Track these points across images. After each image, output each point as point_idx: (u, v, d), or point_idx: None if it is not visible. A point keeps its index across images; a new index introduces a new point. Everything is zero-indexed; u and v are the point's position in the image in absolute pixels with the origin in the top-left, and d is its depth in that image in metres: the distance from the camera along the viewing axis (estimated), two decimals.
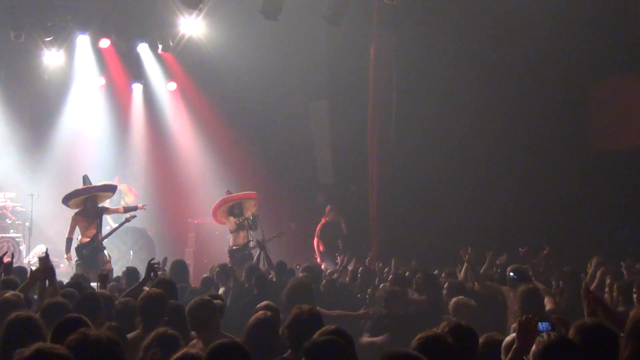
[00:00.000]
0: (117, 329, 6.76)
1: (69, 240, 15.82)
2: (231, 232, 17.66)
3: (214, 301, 7.71)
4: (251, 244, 17.10)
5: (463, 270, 12.09)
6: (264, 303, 7.85)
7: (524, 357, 5.00)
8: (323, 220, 19.89)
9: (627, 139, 18.74)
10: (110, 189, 17.05)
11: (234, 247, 17.33)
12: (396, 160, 19.65)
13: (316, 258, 19.11)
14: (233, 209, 17.75)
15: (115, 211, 17.11)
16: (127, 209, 16.92)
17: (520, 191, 18.57)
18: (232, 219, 17.61)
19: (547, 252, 12.23)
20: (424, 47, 18.99)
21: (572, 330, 5.32)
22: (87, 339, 4.37)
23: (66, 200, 16.17)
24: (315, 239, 19.55)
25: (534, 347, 4.81)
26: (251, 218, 17.54)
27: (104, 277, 9.95)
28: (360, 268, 13.75)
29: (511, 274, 10.32)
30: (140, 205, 17.17)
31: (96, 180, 17.08)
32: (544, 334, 4.86)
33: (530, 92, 18.77)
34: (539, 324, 5.17)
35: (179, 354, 5.34)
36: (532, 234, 16.07)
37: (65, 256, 16.06)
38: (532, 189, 18.66)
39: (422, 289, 11.26)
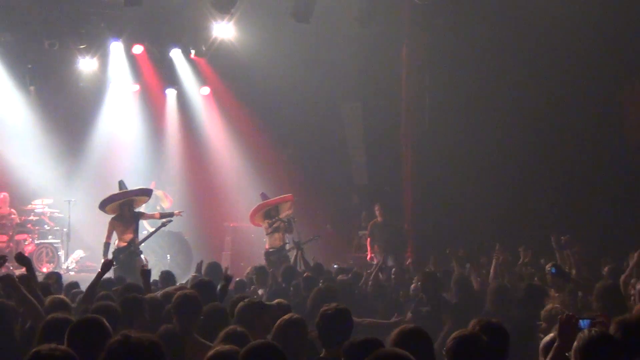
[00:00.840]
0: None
1: (107, 245, 15.85)
2: (267, 234, 17.67)
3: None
4: (287, 247, 17.10)
5: (493, 267, 12.12)
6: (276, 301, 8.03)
7: (566, 355, 4.98)
8: (377, 220, 19.68)
9: None
10: (146, 193, 17.03)
11: (270, 250, 17.29)
12: (430, 160, 19.60)
13: (367, 257, 18.96)
14: (270, 212, 17.76)
15: (152, 217, 17.15)
16: (163, 215, 16.92)
17: (557, 188, 18.44)
18: (267, 221, 17.63)
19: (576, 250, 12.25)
20: (456, 47, 18.93)
21: (613, 326, 5.28)
22: (129, 342, 4.36)
23: (102, 205, 16.21)
24: (368, 239, 19.47)
25: (575, 344, 4.78)
26: (286, 220, 17.53)
27: (146, 273, 9.97)
28: (394, 269, 13.69)
29: (552, 270, 10.04)
30: (176, 212, 17.10)
31: (132, 186, 17.10)
32: (585, 331, 4.83)
33: (566, 88, 18.56)
34: (580, 321, 5.14)
35: (212, 351, 5.36)
36: (570, 231, 15.92)
37: (102, 260, 16.12)
38: (570, 185, 18.51)
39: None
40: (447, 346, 5.02)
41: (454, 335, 5.07)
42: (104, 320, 5.70)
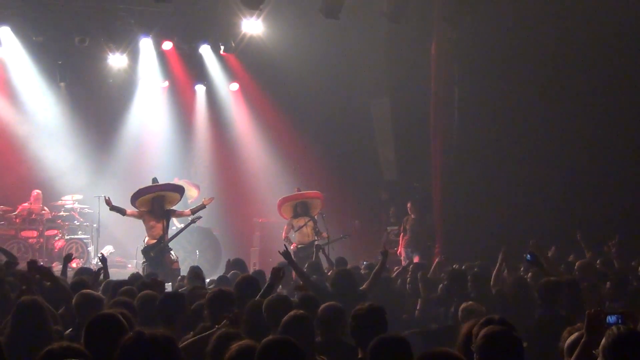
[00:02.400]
0: None
1: (118, 209, 15.88)
2: (295, 231, 17.71)
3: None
4: (316, 243, 17.07)
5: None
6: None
7: (593, 352, 4.93)
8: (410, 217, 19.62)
9: None
10: (179, 191, 16.88)
11: (299, 246, 17.33)
12: (460, 156, 19.50)
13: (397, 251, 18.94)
14: (296, 207, 17.76)
15: (182, 214, 16.98)
16: (194, 210, 16.74)
17: (587, 184, 18.23)
18: (294, 220, 17.67)
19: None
20: (485, 42, 18.81)
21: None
22: (143, 338, 4.40)
23: (134, 198, 16.19)
24: (401, 234, 19.47)
25: (603, 341, 4.72)
26: (315, 218, 17.54)
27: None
28: (420, 273, 13.53)
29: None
30: (205, 200, 16.88)
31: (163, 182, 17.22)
32: (614, 327, 4.77)
33: (597, 84, 18.28)
34: (608, 317, 5.05)
35: (235, 346, 5.38)
36: (600, 228, 15.81)
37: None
38: (601, 182, 18.29)
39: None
40: (477, 343, 5.00)
41: (484, 331, 5.05)
42: (120, 317, 5.71)
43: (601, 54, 17.80)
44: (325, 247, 15.85)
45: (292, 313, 6.70)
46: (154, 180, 16.61)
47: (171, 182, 17.63)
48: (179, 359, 4.64)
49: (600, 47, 17.76)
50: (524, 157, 18.72)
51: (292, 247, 17.05)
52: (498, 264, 11.79)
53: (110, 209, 15.80)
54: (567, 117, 18.30)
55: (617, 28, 17.50)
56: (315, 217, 17.56)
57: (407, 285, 12.54)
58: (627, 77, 17.81)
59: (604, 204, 17.53)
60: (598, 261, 12.56)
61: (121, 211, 15.85)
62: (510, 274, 12.26)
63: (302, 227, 17.46)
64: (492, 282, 11.29)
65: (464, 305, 8.77)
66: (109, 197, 15.74)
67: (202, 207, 16.63)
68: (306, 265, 12.94)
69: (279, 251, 10.83)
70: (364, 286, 10.91)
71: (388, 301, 9.69)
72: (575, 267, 11.68)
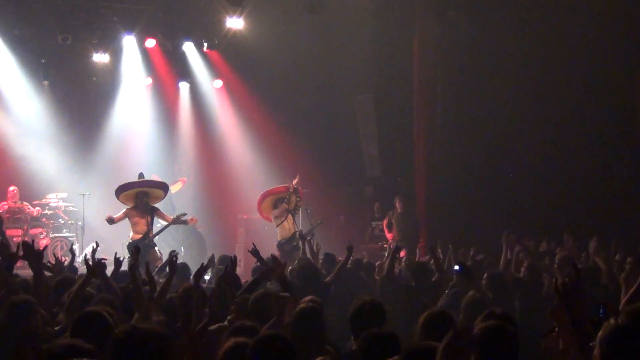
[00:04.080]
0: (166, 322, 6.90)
1: (110, 220, 15.99)
2: (276, 226, 17.78)
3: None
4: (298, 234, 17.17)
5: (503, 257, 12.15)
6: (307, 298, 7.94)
7: (590, 345, 4.90)
8: (397, 211, 19.71)
9: None
10: (163, 188, 16.99)
11: (281, 241, 17.44)
12: (442, 152, 19.57)
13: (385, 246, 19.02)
14: (275, 203, 17.91)
15: (164, 218, 16.92)
16: (175, 221, 16.72)
17: (568, 178, 18.38)
18: (274, 211, 17.80)
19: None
20: (468, 38, 18.87)
21: (624, 315, 5.21)
22: (135, 332, 4.42)
23: (118, 192, 16.29)
24: (386, 229, 19.57)
25: (600, 333, 4.71)
26: (293, 212, 17.74)
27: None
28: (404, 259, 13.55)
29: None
30: (189, 218, 16.91)
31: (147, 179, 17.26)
32: (611, 320, 4.74)
33: (579, 80, 18.47)
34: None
35: (229, 342, 5.39)
36: (580, 221, 15.95)
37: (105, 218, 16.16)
38: (580, 176, 18.46)
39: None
40: (475, 334, 4.98)
41: (482, 325, 5.06)
42: (105, 313, 5.74)
43: (588, 49, 17.94)
44: (312, 238, 15.86)
45: (302, 306, 6.74)
46: (140, 175, 16.72)
47: (160, 181, 17.65)
48: (171, 353, 4.63)
49: (588, 46, 17.88)
50: (507, 152, 18.83)
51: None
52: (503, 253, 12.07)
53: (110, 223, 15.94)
54: (551, 113, 18.43)
55: (605, 27, 17.64)
56: (292, 210, 17.67)
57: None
58: (615, 73, 18.01)
59: (587, 198, 17.70)
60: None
61: (111, 221, 15.92)
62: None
63: (283, 221, 17.57)
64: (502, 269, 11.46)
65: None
66: (110, 216, 15.80)
67: (185, 222, 16.72)
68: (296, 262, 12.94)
69: (248, 250, 10.68)
70: (327, 278, 11.05)
71: (352, 292, 9.64)
72: (556, 259, 11.76)
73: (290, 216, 17.70)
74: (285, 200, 17.82)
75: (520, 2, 18.35)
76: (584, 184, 18.04)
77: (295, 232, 17.36)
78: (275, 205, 17.90)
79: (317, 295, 8.03)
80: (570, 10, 17.84)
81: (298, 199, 18.10)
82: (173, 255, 9.02)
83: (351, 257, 12.06)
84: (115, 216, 16.07)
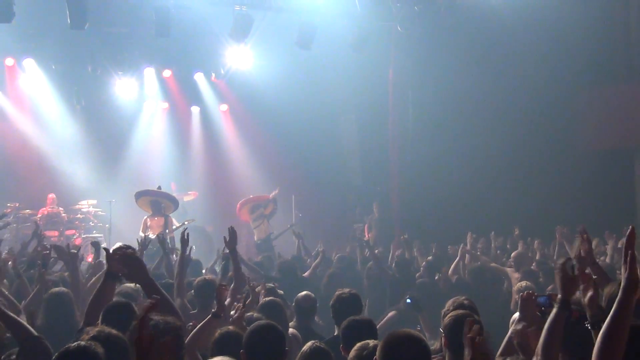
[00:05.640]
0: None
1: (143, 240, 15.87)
2: (254, 228, 18.19)
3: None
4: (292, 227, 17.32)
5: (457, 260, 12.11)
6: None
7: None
8: (375, 216, 19.84)
9: (609, 140, 18.88)
10: (174, 202, 17.12)
11: (258, 241, 17.89)
12: (413, 163, 19.74)
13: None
14: (253, 209, 18.37)
15: (172, 223, 16.81)
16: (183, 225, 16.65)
17: (519, 186, 18.60)
18: (253, 216, 18.29)
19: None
20: (434, 69, 19.09)
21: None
22: (154, 324, 4.17)
23: (137, 196, 16.47)
24: (366, 231, 19.73)
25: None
26: (267, 216, 18.19)
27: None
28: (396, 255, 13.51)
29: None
30: (186, 221, 16.72)
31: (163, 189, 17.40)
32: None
33: (529, 102, 18.93)
34: (538, 298, 5.01)
35: (223, 329, 5.32)
36: (529, 221, 16.07)
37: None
38: (530, 183, 18.69)
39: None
40: (444, 322, 5.04)
41: (452, 314, 5.06)
42: (132, 304, 5.60)
43: (536, 76, 18.33)
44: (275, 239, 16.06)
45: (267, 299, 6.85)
46: (159, 187, 16.80)
47: (170, 194, 17.71)
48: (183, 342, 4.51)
49: (536, 70, 18.27)
50: (468, 163, 19.02)
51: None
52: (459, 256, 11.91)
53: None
54: (507, 128, 18.83)
55: (549, 54, 17.98)
56: (268, 215, 18.20)
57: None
58: (557, 95, 18.43)
59: (539, 201, 17.95)
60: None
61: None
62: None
63: (260, 224, 18.00)
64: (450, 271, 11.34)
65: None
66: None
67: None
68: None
69: (223, 252, 9.61)
70: (305, 274, 11.11)
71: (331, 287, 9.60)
72: (511, 257, 11.78)
73: (265, 220, 18.04)
74: (263, 206, 18.21)
75: (477, 40, 18.58)
76: (535, 189, 18.31)
77: (270, 233, 17.78)
78: (252, 211, 18.34)
79: (294, 286, 8.08)
80: (520, 45, 18.21)
81: (275, 207, 18.35)
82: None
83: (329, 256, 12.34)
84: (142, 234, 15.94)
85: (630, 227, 3.73)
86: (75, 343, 4.03)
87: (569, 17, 17.73)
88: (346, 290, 6.75)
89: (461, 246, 12.24)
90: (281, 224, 19.26)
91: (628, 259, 3.44)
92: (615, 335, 3.45)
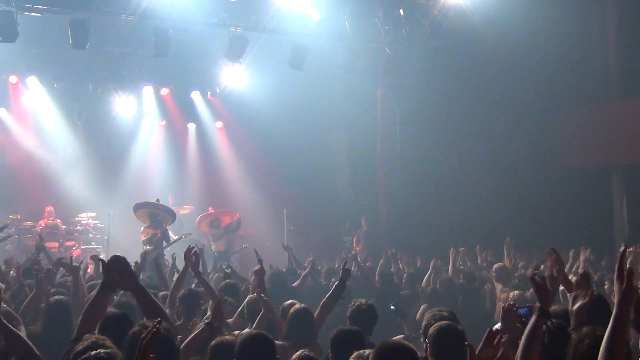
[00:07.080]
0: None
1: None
2: (213, 241, 18.36)
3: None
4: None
5: (450, 266, 12.27)
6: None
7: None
8: (363, 229, 19.93)
9: (588, 158, 19.01)
10: (172, 215, 17.04)
11: (215, 253, 17.94)
12: (400, 180, 19.82)
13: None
14: (212, 222, 18.57)
15: (167, 244, 16.78)
16: (180, 238, 16.61)
17: (503, 202, 18.68)
18: (212, 230, 18.49)
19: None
20: (420, 89, 19.25)
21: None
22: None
23: (136, 208, 16.37)
24: (355, 244, 19.82)
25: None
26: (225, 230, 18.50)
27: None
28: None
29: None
30: (183, 235, 16.81)
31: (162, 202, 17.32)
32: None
33: (511, 121, 19.10)
34: (519, 309, 5.04)
35: (217, 339, 5.32)
36: (513, 235, 16.09)
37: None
38: (512, 199, 18.77)
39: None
40: (430, 333, 4.99)
41: (437, 325, 5.02)
42: (128, 315, 5.58)
43: (518, 98, 18.61)
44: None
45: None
46: (157, 200, 16.75)
47: (168, 207, 17.62)
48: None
49: (518, 92, 18.51)
50: (451, 180, 19.14)
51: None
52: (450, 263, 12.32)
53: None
54: (491, 146, 18.95)
55: (531, 77, 18.17)
56: (223, 228, 18.52)
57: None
58: (538, 116, 18.60)
59: (523, 214, 18.11)
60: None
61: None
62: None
63: (219, 239, 18.24)
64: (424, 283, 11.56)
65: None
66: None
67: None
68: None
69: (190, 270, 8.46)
70: (294, 284, 11.14)
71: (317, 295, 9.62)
72: (493, 269, 11.77)
73: (225, 236, 18.38)
74: (221, 221, 18.65)
75: (462, 62, 18.74)
76: (519, 206, 18.43)
77: (228, 247, 18.43)
78: (211, 225, 18.53)
79: (284, 295, 8.10)
80: (503, 68, 18.35)
81: (236, 226, 18.78)
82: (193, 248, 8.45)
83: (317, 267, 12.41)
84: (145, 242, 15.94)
85: (623, 245, 3.77)
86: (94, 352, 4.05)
87: (549, 40, 17.92)
88: (363, 301, 6.78)
89: (432, 261, 12.34)
90: (274, 236, 19.32)
91: (625, 274, 3.46)
92: (615, 348, 3.46)
